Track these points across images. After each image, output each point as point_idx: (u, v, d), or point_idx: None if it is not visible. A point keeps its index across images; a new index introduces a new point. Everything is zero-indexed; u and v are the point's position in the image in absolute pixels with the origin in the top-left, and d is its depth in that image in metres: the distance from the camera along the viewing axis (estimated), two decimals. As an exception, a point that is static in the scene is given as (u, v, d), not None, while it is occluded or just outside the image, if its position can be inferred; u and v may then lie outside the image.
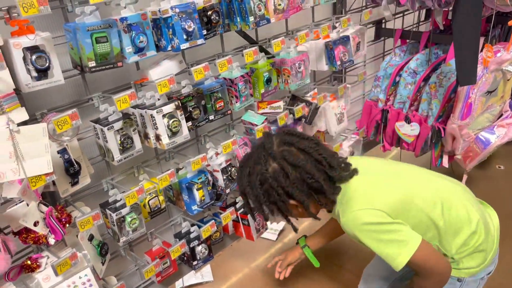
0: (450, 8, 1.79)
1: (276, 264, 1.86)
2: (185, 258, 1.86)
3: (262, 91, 1.79)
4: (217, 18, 1.51)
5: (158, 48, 1.44)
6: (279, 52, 1.75)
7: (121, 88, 1.56)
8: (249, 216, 1.93)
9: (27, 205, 1.25)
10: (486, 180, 2.59)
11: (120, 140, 1.41)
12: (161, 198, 1.70)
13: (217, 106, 1.64)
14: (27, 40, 1.16)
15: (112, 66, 1.31)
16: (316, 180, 1.23)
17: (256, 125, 1.83)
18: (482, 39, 1.82)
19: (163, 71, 1.53)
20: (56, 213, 1.34)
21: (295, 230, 1.43)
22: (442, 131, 2.09)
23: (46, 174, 1.17)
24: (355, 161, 1.35)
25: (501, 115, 2.21)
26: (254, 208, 1.34)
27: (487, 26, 2.13)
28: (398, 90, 2.19)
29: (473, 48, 1.74)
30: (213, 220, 1.85)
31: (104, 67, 1.29)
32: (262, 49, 1.88)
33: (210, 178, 1.75)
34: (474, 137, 2.11)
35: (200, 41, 1.46)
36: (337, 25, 1.99)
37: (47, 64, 1.19)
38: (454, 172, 2.36)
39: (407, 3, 1.91)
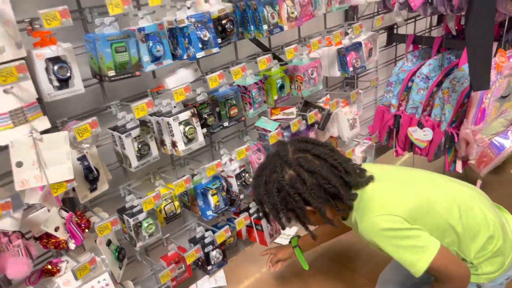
0: (463, 14, 1.80)
1: (267, 256, 1.90)
2: (200, 263, 1.88)
3: (275, 97, 1.81)
4: (231, 27, 1.53)
5: (174, 57, 1.46)
6: (292, 59, 1.77)
7: (138, 96, 1.59)
8: (262, 222, 1.94)
9: (48, 211, 1.28)
10: (501, 185, 2.56)
11: (138, 147, 1.44)
12: (177, 203, 1.72)
13: (231, 113, 1.67)
14: (50, 51, 1.18)
15: (130, 75, 1.33)
16: (333, 185, 1.23)
17: (270, 131, 1.84)
18: (495, 44, 1.82)
19: (179, 79, 1.55)
20: (76, 219, 1.37)
21: (313, 237, 1.42)
22: (456, 137, 2.08)
23: (68, 181, 1.20)
24: (370, 168, 1.36)
25: (515, 120, 2.20)
26: (271, 216, 1.34)
27: (500, 30, 2.13)
28: (411, 95, 2.19)
29: (486, 53, 1.74)
30: (227, 226, 1.86)
31: (123, 76, 1.31)
32: (275, 56, 1.90)
33: (224, 184, 1.77)
34: (488, 142, 2.10)
35: (215, 50, 1.48)
36: (349, 31, 2.00)
37: (68, 74, 1.21)
38: (468, 177, 2.34)
39: (419, 9, 1.92)
